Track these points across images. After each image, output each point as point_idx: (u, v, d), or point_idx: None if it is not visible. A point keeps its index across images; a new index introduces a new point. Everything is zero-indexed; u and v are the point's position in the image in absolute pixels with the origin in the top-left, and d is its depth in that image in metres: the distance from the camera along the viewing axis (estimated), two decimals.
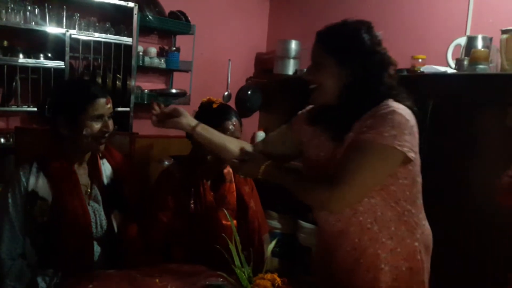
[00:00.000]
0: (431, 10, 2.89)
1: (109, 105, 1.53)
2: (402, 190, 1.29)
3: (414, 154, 1.25)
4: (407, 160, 1.25)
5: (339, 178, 1.22)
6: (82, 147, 1.55)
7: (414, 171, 1.30)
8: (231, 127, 1.65)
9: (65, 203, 1.48)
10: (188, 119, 1.47)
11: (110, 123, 1.54)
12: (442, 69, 2.41)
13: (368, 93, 1.28)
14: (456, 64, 2.42)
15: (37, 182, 1.48)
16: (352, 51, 1.28)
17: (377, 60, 1.28)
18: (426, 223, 1.40)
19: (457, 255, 2.17)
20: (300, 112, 1.52)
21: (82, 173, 1.59)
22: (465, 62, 2.36)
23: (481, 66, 2.26)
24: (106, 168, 1.66)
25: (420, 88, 2.41)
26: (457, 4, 2.75)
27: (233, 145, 1.50)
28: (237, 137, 1.63)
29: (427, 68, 2.49)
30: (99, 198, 1.59)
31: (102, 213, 1.57)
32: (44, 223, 1.45)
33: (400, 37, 3.03)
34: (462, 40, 2.45)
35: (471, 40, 2.41)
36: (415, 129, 1.27)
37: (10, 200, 1.46)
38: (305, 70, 1.43)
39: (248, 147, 1.52)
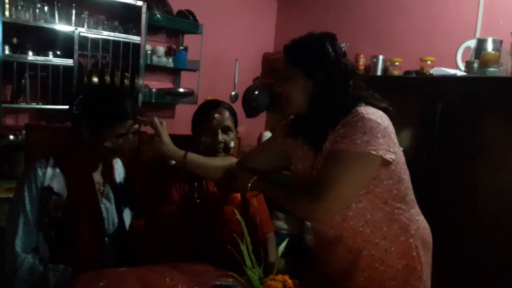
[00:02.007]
0: (440, 12, 2.88)
1: (136, 125, 1.53)
2: (388, 190, 1.30)
3: (392, 155, 1.25)
4: (387, 162, 1.25)
5: (319, 190, 1.25)
6: (99, 155, 1.55)
7: (397, 170, 1.30)
8: (216, 115, 1.69)
9: (79, 200, 1.49)
10: (174, 148, 1.53)
11: (131, 138, 1.54)
12: (451, 71, 2.40)
13: (334, 103, 1.30)
14: (465, 67, 2.41)
15: (53, 178, 1.48)
16: (316, 63, 1.31)
17: (341, 71, 1.31)
18: (420, 218, 1.41)
19: (462, 255, 2.17)
20: (282, 123, 1.55)
21: (96, 171, 1.59)
22: (475, 65, 2.35)
23: (491, 69, 2.25)
24: (118, 167, 1.67)
25: (429, 91, 2.41)
26: (467, 6, 2.74)
27: (221, 163, 1.57)
28: (227, 126, 1.69)
29: (436, 71, 2.48)
30: (111, 196, 1.60)
31: (114, 211, 1.58)
32: (57, 218, 1.46)
33: (409, 39, 3.02)
34: (472, 43, 2.44)
35: (481, 43, 2.40)
36: (390, 130, 1.28)
37: (26, 194, 1.45)
38: None
39: (233, 161, 1.59)
